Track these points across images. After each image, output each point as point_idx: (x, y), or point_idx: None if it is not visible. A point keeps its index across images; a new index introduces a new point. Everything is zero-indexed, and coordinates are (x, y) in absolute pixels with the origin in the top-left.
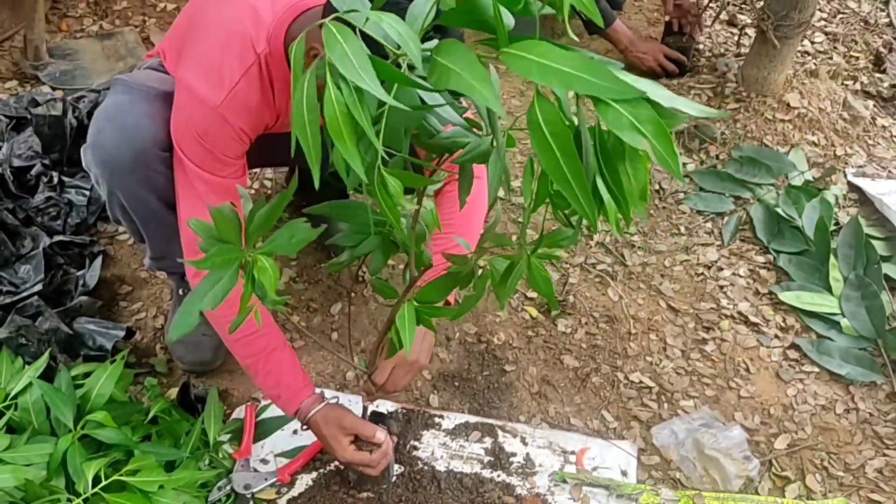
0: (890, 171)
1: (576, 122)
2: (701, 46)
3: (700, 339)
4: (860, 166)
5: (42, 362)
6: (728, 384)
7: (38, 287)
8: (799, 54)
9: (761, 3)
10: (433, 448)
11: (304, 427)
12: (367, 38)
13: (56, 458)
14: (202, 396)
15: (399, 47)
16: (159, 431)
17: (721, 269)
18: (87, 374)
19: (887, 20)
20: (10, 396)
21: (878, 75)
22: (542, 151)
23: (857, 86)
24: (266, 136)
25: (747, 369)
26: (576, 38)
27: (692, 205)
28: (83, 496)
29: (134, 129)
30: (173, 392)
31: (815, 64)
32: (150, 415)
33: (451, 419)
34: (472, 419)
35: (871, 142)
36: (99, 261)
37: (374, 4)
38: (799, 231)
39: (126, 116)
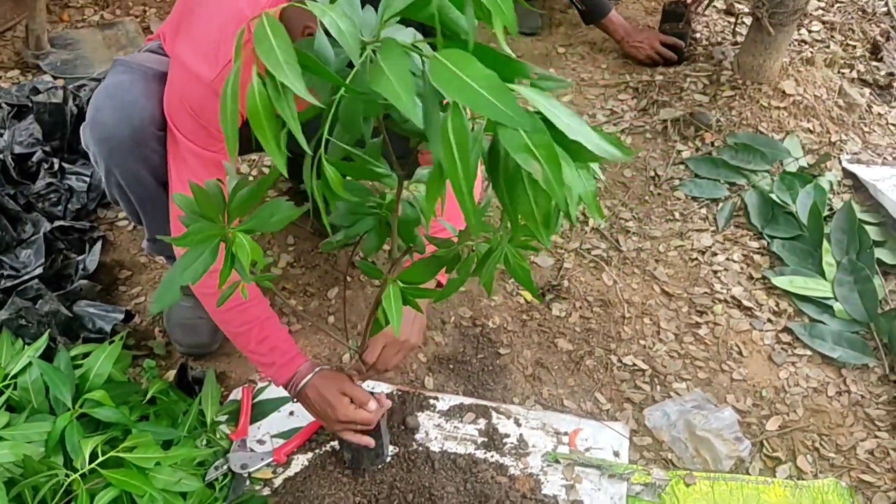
0: (885, 158)
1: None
2: (698, 35)
3: (693, 323)
4: (855, 153)
5: (42, 343)
6: (721, 367)
7: (39, 271)
8: (796, 43)
9: None
10: (428, 429)
11: (294, 399)
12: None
13: (54, 436)
14: (200, 378)
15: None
16: (157, 412)
17: (715, 254)
18: (85, 355)
19: (885, 9)
20: (10, 376)
21: (874, 63)
22: (445, 156)
23: (854, 74)
24: None
25: (740, 352)
26: (509, 51)
27: (687, 191)
28: (80, 472)
29: (132, 106)
30: (171, 374)
31: (811, 52)
32: (148, 395)
33: (446, 401)
34: (467, 401)
35: (866, 129)
36: (99, 246)
37: None
38: (793, 216)
39: (125, 95)
